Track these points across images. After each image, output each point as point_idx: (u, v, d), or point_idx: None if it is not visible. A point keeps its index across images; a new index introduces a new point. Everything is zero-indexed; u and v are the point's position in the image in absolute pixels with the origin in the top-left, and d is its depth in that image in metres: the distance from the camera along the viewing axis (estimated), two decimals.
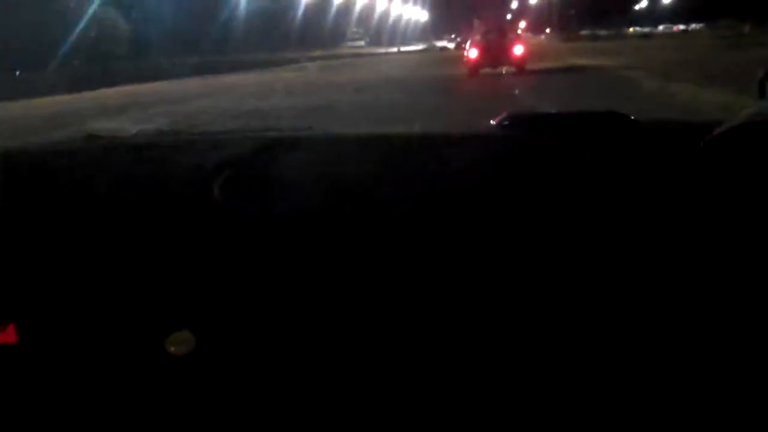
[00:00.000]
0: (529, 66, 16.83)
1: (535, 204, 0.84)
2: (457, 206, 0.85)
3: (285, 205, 0.86)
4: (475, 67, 17.04)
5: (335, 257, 0.82)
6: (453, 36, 46.22)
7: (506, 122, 1.04)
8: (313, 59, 28.24)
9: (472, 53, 17.36)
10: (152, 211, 0.89)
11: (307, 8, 41.96)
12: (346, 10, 49.93)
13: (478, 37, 17.81)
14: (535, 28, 59.73)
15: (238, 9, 29.51)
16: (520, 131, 1.01)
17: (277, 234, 0.84)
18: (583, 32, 45.37)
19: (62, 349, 0.81)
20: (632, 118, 0.99)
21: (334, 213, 0.86)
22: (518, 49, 17.17)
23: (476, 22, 19.87)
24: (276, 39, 30.62)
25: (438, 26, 65.73)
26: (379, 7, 60.80)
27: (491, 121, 1.05)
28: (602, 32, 42.78)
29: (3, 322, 0.77)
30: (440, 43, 47.17)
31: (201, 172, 0.93)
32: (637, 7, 56.27)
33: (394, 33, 59.39)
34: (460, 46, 30.57)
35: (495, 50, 17.01)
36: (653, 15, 49.64)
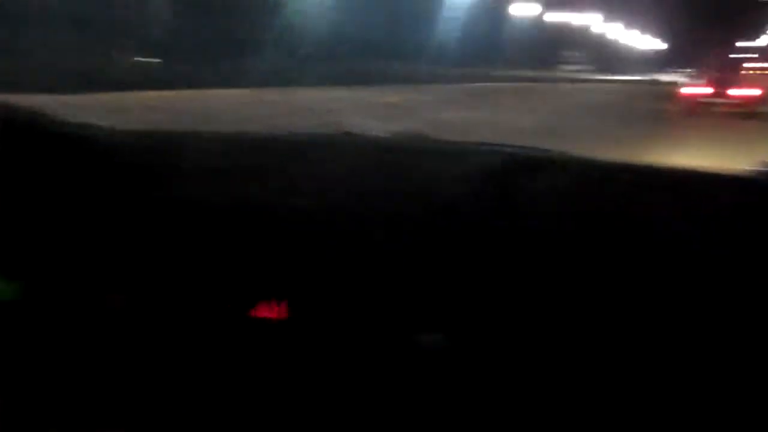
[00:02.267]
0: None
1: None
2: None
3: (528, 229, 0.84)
4: (696, 103, 16.30)
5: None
6: (684, 70, 43.63)
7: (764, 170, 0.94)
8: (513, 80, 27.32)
9: (699, 90, 16.91)
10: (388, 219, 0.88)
11: (515, 25, 41.26)
12: (561, 31, 48.65)
13: (705, 74, 17.52)
14: None
15: (437, 19, 29.29)
16: None
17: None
18: None
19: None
20: None
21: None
22: (750, 91, 16.46)
23: (713, 57, 19.90)
24: (470, 54, 30.04)
25: (670, 57, 62.62)
26: (601, 32, 58.76)
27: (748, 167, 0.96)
28: None
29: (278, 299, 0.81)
30: (665, 77, 44.65)
31: (445, 183, 0.92)
32: None
33: (616, 60, 57.14)
34: (687, 84, 29.82)
35: (724, 90, 16.42)
36: None
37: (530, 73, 34.06)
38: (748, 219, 0.84)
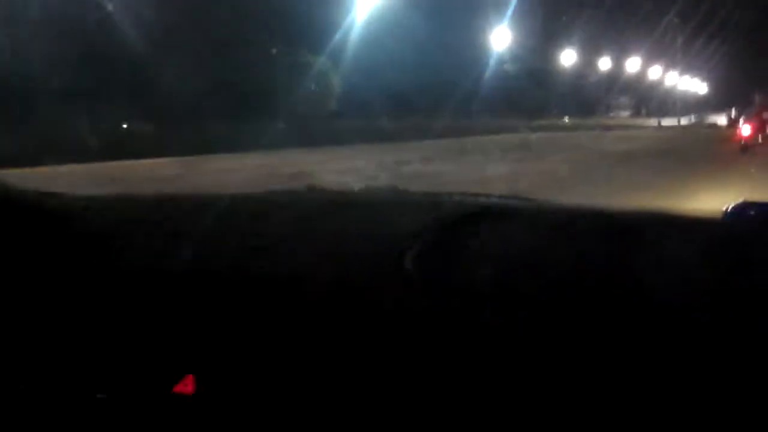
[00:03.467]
0: None
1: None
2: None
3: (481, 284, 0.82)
4: (746, 144, 16.90)
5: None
6: (731, 112, 43.10)
7: (738, 211, 0.95)
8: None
9: (745, 130, 17.53)
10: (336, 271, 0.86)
11: (557, 73, 41.38)
12: (610, 77, 48.74)
13: (753, 115, 18.06)
14: None
15: (474, 70, 29.34)
16: (757, 223, 0.93)
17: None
18: None
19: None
20: None
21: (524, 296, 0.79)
22: None
23: (757, 98, 20.17)
24: (498, 103, 30.01)
25: (716, 100, 62.06)
26: (650, 77, 58.68)
27: (723, 208, 0.97)
28: None
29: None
30: (712, 119, 44.18)
31: (399, 237, 0.90)
32: None
33: (664, 104, 56.86)
34: (733, 124, 29.85)
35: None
36: None
37: (574, 122, 34.11)
38: (715, 262, 0.81)
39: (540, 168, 12.79)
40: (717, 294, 0.76)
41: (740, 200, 0.97)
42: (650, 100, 56.26)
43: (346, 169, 11.36)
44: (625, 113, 49.22)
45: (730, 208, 0.97)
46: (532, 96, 33.88)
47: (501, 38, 33.28)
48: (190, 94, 16.30)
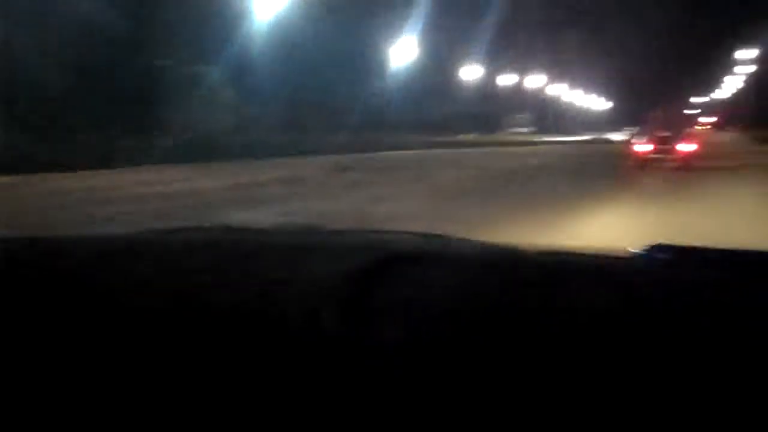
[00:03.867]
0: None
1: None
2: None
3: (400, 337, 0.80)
4: (642, 161, 17.70)
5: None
6: (629, 129, 44.30)
7: (650, 252, 0.95)
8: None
9: (643, 147, 18.32)
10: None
11: (458, 89, 41.48)
12: (506, 94, 49.30)
13: (647, 133, 18.85)
14: (727, 123, 56.58)
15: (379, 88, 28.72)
16: (668, 265, 0.93)
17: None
18: None
19: None
20: None
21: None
22: (685, 147, 17.98)
23: (652, 116, 20.66)
24: (409, 120, 29.64)
25: (618, 116, 63.80)
26: (553, 94, 59.82)
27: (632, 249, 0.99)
28: None
29: None
30: (611, 135, 45.17)
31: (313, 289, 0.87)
32: None
33: (564, 121, 58.11)
34: (631, 141, 31.54)
35: (665, 146, 17.92)
36: None
37: (476, 138, 34.12)
38: (629, 304, 0.81)
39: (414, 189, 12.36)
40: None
41: (655, 242, 0.96)
42: (553, 116, 57.30)
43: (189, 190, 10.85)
44: (526, 129, 49.71)
45: (643, 248, 0.96)
46: (438, 112, 33.77)
47: (405, 53, 32.98)
48: (66, 108, 15.26)
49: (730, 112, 59.66)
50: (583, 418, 0.67)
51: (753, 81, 54.59)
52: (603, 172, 16.11)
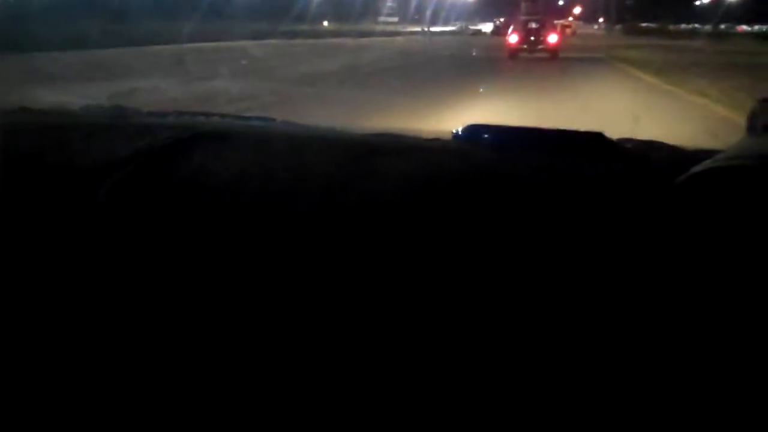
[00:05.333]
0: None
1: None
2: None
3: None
4: (514, 51, 19.95)
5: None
6: (497, 21, 43.57)
7: (464, 134, 1.00)
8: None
9: (512, 39, 20.44)
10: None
11: None
12: None
13: (517, 25, 20.75)
14: (589, 17, 56.96)
15: None
16: (479, 145, 0.98)
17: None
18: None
19: None
20: (609, 138, 0.94)
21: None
22: (552, 38, 20.24)
23: (523, 7, 22.73)
24: (263, 9, 27.34)
25: (486, 8, 63.09)
26: None
27: (453, 130, 1.01)
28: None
29: None
30: (476, 27, 44.29)
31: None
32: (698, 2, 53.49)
33: (433, 11, 56.65)
34: (499, 32, 32.22)
35: (532, 37, 20.04)
36: (718, 12, 46.72)
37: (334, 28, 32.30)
38: (426, 173, 0.85)
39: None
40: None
41: (469, 123, 0.99)
42: (418, 6, 55.68)
43: None
44: (393, 19, 47.97)
45: (459, 130, 1.00)
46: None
47: None
48: None
49: (590, 7, 59.72)
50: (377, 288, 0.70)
51: None
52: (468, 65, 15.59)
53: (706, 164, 0.78)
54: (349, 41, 26.68)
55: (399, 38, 31.54)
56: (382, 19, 46.02)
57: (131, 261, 0.74)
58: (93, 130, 1.00)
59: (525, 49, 19.80)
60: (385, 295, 0.70)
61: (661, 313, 0.67)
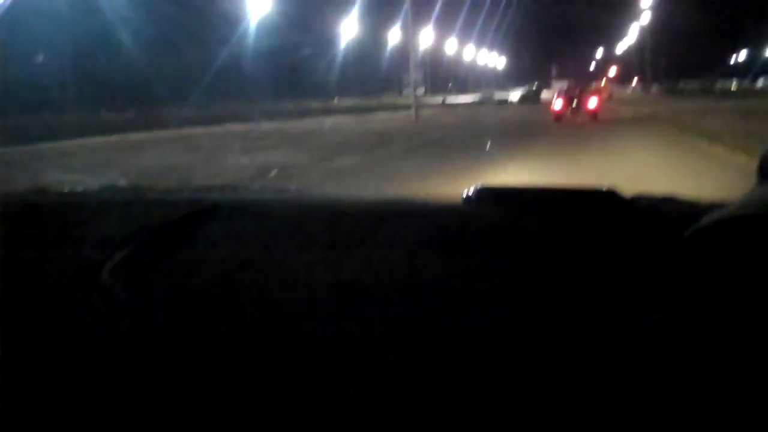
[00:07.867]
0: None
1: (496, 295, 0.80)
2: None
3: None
4: (559, 115, 22.14)
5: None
6: (532, 85, 41.16)
7: (475, 196, 1.01)
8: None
9: (557, 104, 22.97)
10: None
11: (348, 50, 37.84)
12: (399, 52, 45.73)
13: (561, 91, 24.06)
14: (623, 78, 55.32)
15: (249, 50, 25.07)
16: (492, 207, 1.00)
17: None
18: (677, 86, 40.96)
19: None
20: (622, 195, 0.95)
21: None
22: (592, 103, 22.59)
23: (554, 72, 25.32)
24: (277, 84, 26.20)
25: (518, 73, 61.81)
26: (445, 52, 56.71)
27: (464, 193, 1.02)
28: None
29: None
30: (503, 95, 41.81)
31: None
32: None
33: (459, 80, 55.29)
34: (531, 98, 31.15)
35: (571, 103, 23.22)
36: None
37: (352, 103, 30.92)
38: (433, 237, 0.88)
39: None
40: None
41: (479, 184, 1.00)
42: (447, 77, 54.35)
43: None
44: (419, 90, 46.62)
45: (470, 192, 1.01)
46: (311, 75, 30.27)
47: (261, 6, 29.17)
48: None
49: (631, 64, 58.12)
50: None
51: (648, 29, 52.82)
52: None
53: (715, 216, 0.79)
54: (314, 124, 23.48)
55: (399, 113, 29.01)
56: (406, 91, 44.64)
57: (123, 348, 0.73)
58: (104, 209, 1.02)
59: (568, 112, 22.67)
60: (389, 367, 0.68)
61: (672, 375, 0.66)
